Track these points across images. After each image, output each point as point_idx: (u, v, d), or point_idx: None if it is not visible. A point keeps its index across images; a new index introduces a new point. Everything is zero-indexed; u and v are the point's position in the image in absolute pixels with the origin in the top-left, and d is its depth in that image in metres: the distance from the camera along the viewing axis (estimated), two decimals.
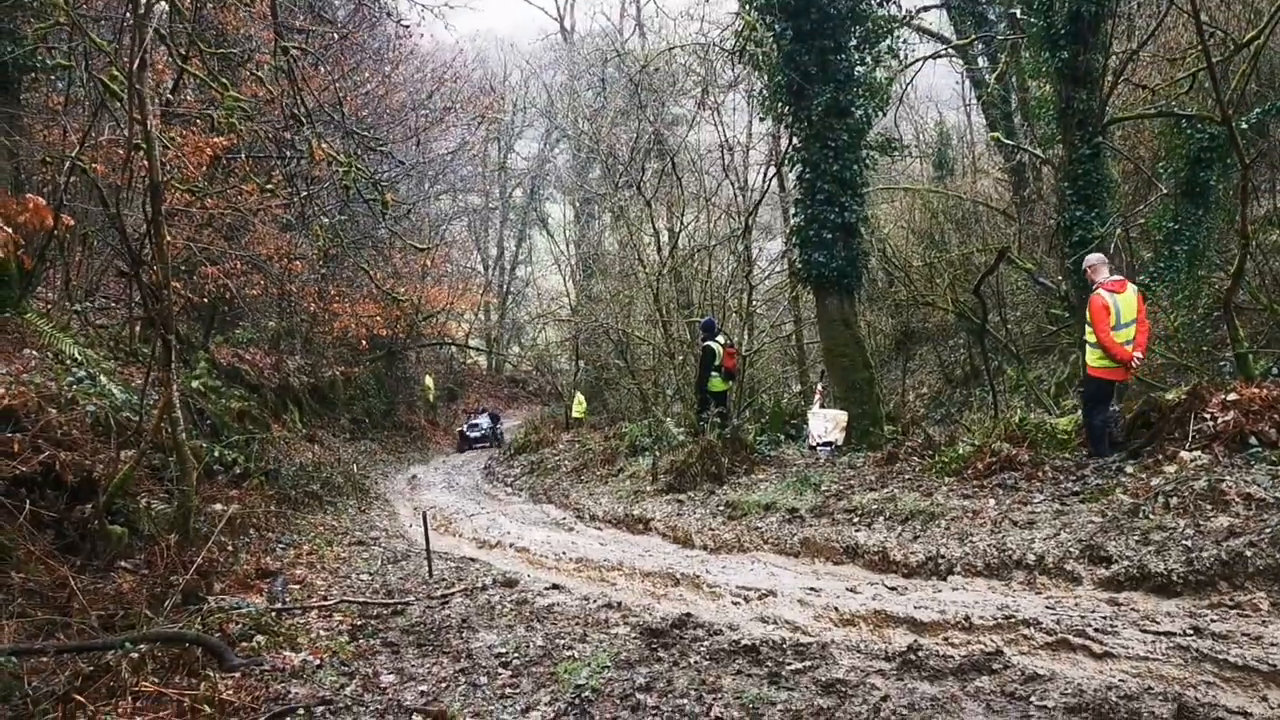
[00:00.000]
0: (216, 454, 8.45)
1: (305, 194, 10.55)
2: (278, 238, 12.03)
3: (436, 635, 4.65)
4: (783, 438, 9.95)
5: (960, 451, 7.08)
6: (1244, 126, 9.82)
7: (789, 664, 3.76)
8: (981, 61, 16.10)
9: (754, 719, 3.20)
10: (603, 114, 17.60)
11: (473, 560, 7.44)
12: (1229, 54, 9.12)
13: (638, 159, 14.81)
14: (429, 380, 24.10)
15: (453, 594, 5.65)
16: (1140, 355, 6.13)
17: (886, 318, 15.32)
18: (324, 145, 8.78)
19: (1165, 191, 11.06)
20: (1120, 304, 6.08)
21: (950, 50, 15.42)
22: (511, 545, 8.15)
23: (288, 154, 9.89)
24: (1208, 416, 5.75)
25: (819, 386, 9.99)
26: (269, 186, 10.35)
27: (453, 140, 19.91)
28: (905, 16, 12.00)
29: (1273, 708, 3.07)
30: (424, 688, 3.82)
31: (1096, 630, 3.80)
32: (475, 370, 32.27)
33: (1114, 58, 9.75)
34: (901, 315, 14.69)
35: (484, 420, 20.53)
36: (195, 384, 9.85)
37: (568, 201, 27.04)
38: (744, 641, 4.10)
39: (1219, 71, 8.17)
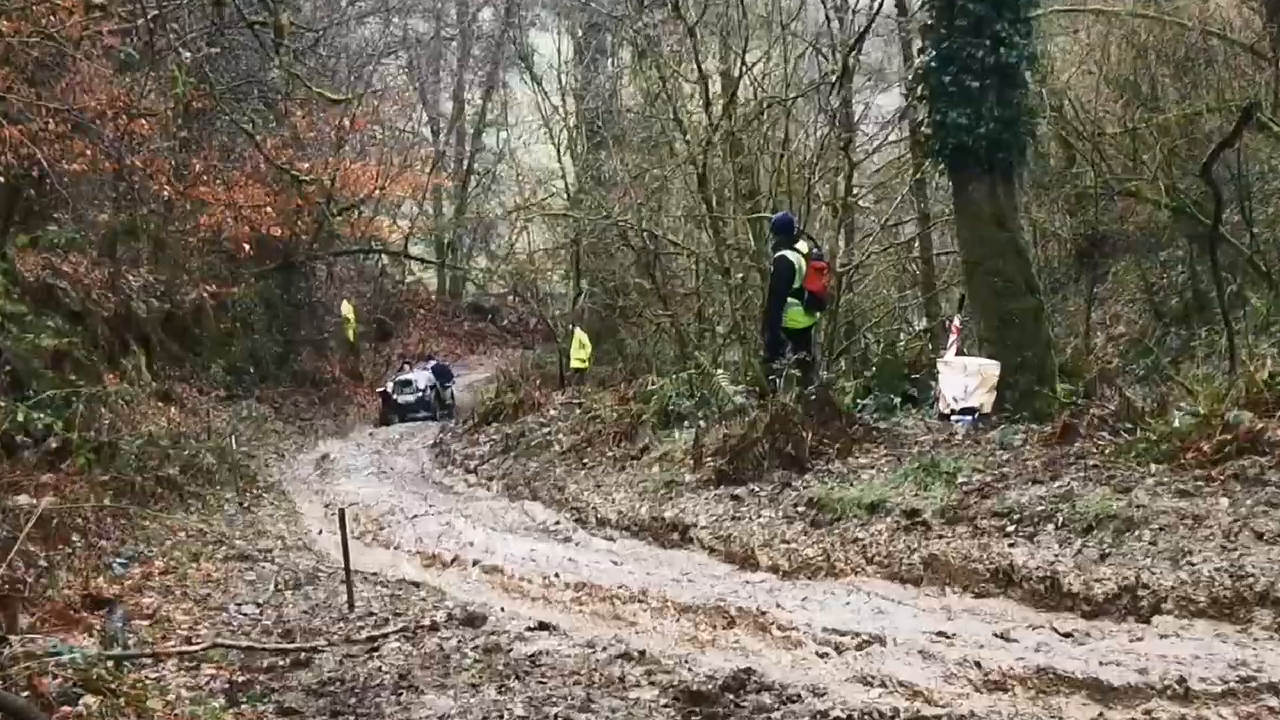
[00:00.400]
0: (20, 418, 8.67)
1: (155, 13, 10.44)
2: (112, 82, 12.24)
3: (360, 700, 4.77)
4: (898, 401, 10.15)
5: (1176, 425, 7.13)
6: None
7: None
8: None
9: None
10: None
11: (416, 585, 7.60)
12: None
13: None
14: (348, 309, 24.50)
15: (385, 636, 5.79)
16: None
17: (1064, 215, 15.63)
18: None
19: None
20: None
21: None
22: (476, 563, 8.35)
23: None
24: None
25: (955, 322, 10.32)
26: (98, 1, 10.42)
27: None
28: None
29: None
30: None
31: None
32: (420, 294, 32.93)
33: None
34: (1087, 211, 14.95)
35: (421, 375, 20.61)
36: None
37: (563, 28, 26.65)
38: (835, 714, 4.19)
39: None
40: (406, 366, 22.24)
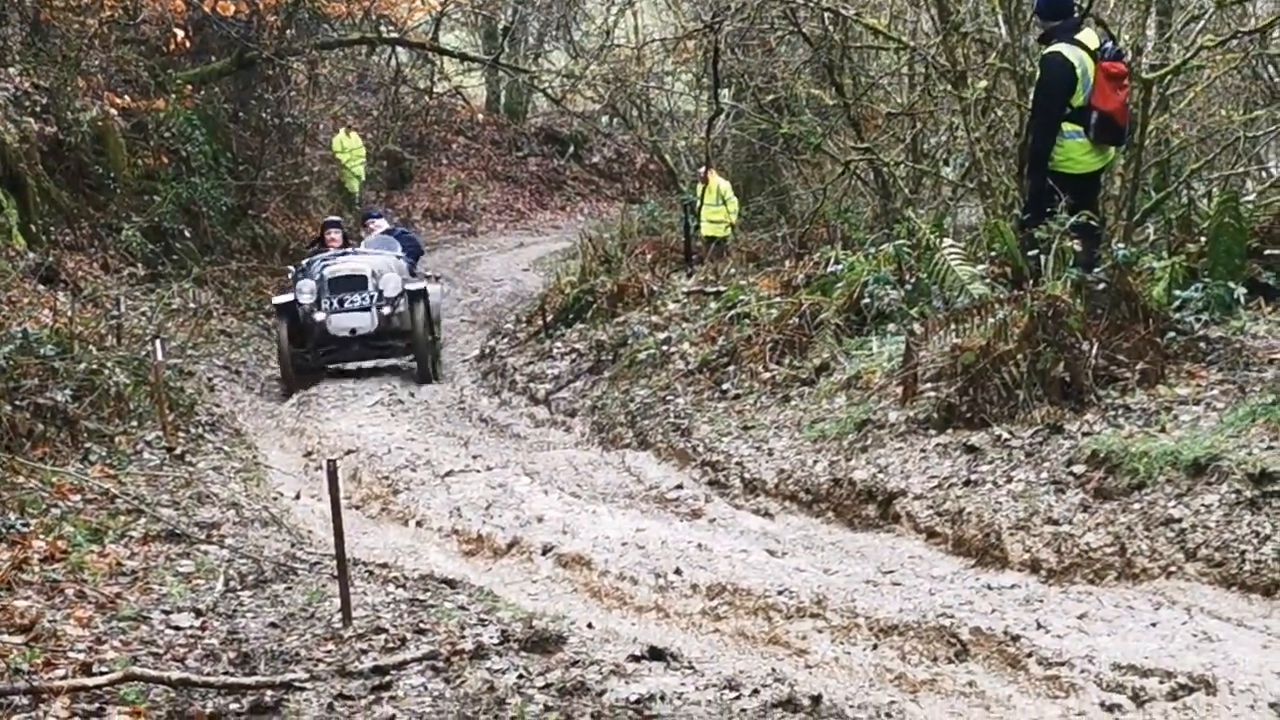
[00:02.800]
0: None
1: None
2: None
3: None
4: (1241, 293, 10.09)
5: None
6: None
7: None
8: None
9: None
10: None
11: (451, 585, 7.93)
12: None
13: None
14: (347, 141, 25.58)
15: (403, 665, 6.02)
16: None
17: None
18: None
19: None
20: None
21: None
22: (548, 550, 8.81)
23: None
24: None
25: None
26: None
27: None
28: None
29: None
30: None
31: None
32: (459, 112, 33.92)
33: None
34: None
35: (373, 261, 17.36)
36: None
37: None
38: None
39: None
40: (333, 240, 18.56)
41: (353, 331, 16.50)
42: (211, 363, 16.93)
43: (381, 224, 19.39)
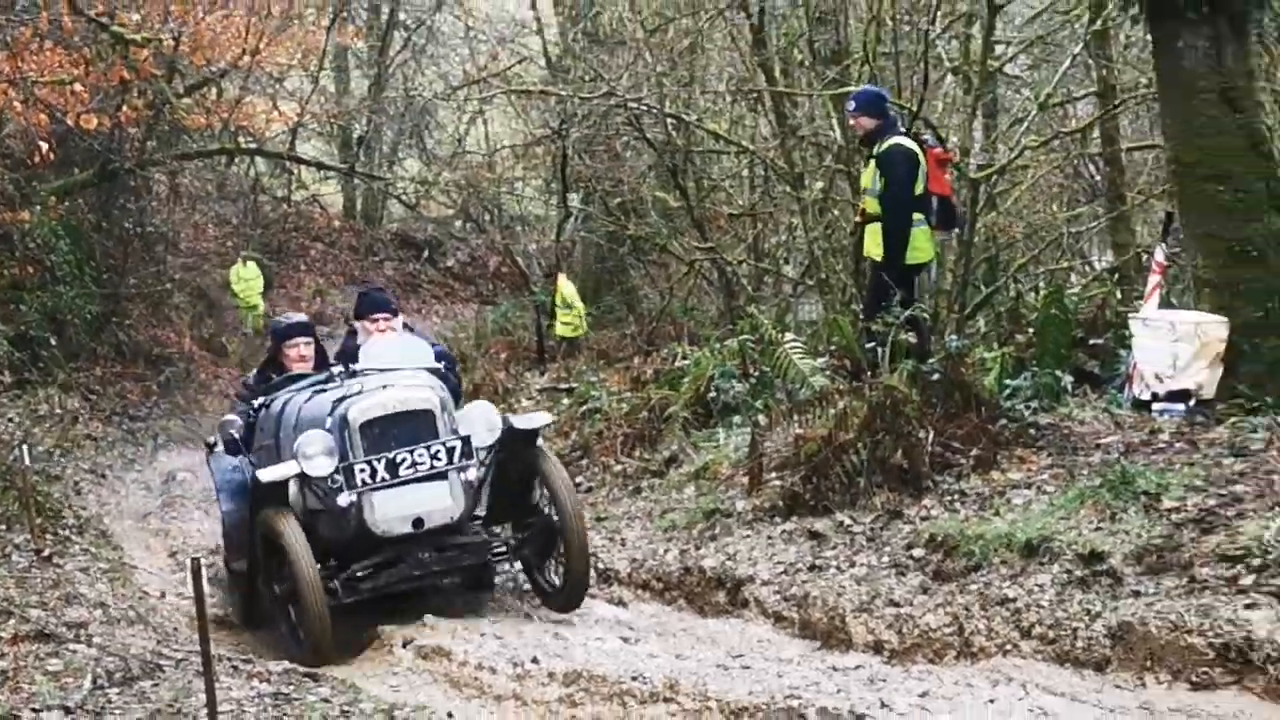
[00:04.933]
0: None
1: None
2: None
3: None
4: (1068, 381, 10.36)
5: None
6: None
7: None
8: None
9: None
10: None
11: (314, 679, 7.78)
12: None
13: None
14: (239, 270, 25.56)
15: None
16: None
17: None
18: None
19: None
20: None
21: None
22: (409, 642, 8.67)
23: None
24: None
25: (1159, 257, 10.63)
26: None
27: None
28: None
29: None
30: None
31: None
32: (316, 219, 33.90)
33: None
34: None
35: (415, 382, 9.76)
36: None
37: None
38: None
39: None
40: (300, 356, 10.59)
41: (418, 525, 8.78)
42: (78, 466, 16.41)
43: (397, 322, 10.65)
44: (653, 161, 18.08)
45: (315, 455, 8.72)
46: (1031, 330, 11.31)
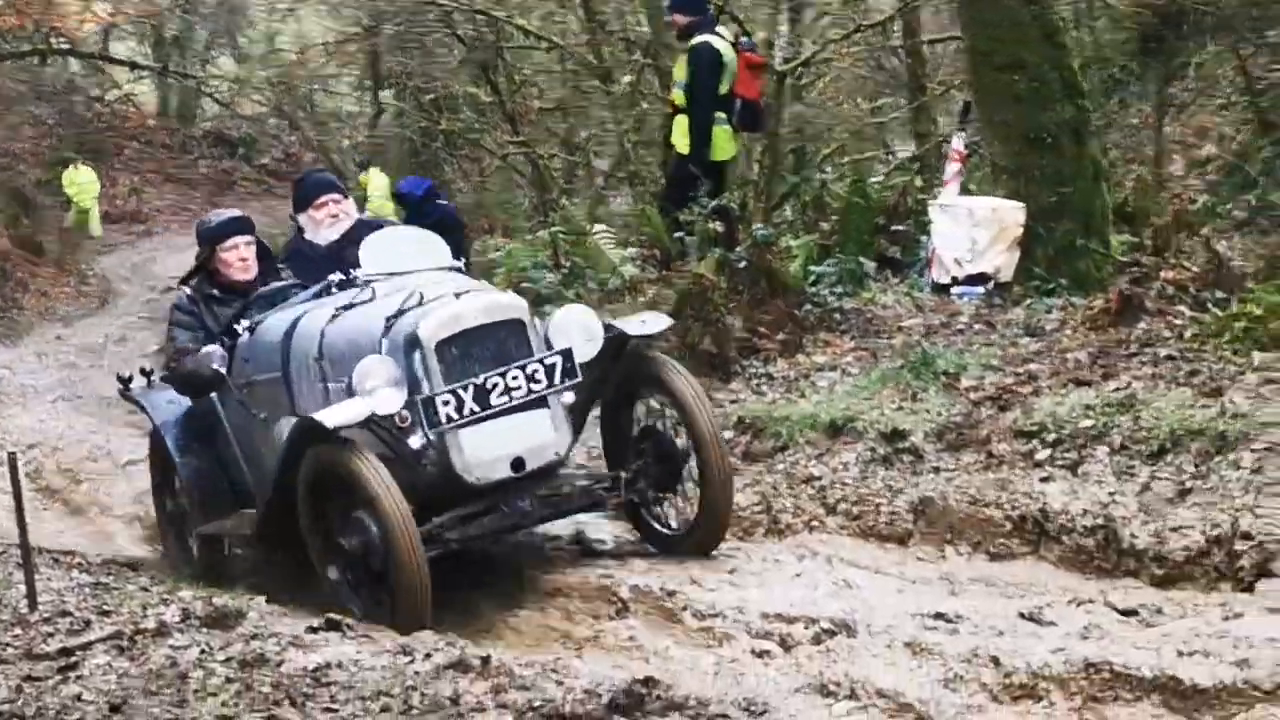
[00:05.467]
0: None
1: None
2: None
3: None
4: (870, 267, 10.79)
5: None
6: None
7: None
8: None
9: None
10: None
11: (134, 568, 8.27)
12: None
13: None
14: (72, 175, 26.39)
15: (88, 646, 6.02)
16: None
17: None
18: None
19: None
20: None
21: None
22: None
23: None
24: None
25: (957, 145, 11.14)
26: None
27: None
28: None
29: None
30: None
31: None
32: (131, 118, 34.24)
33: None
34: None
35: (473, 285, 8.43)
36: None
37: None
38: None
39: None
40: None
41: (518, 467, 7.06)
42: None
43: (349, 204, 9.30)
44: (464, 55, 18.47)
45: (378, 388, 6.73)
46: (836, 219, 11.68)
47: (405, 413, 6.58)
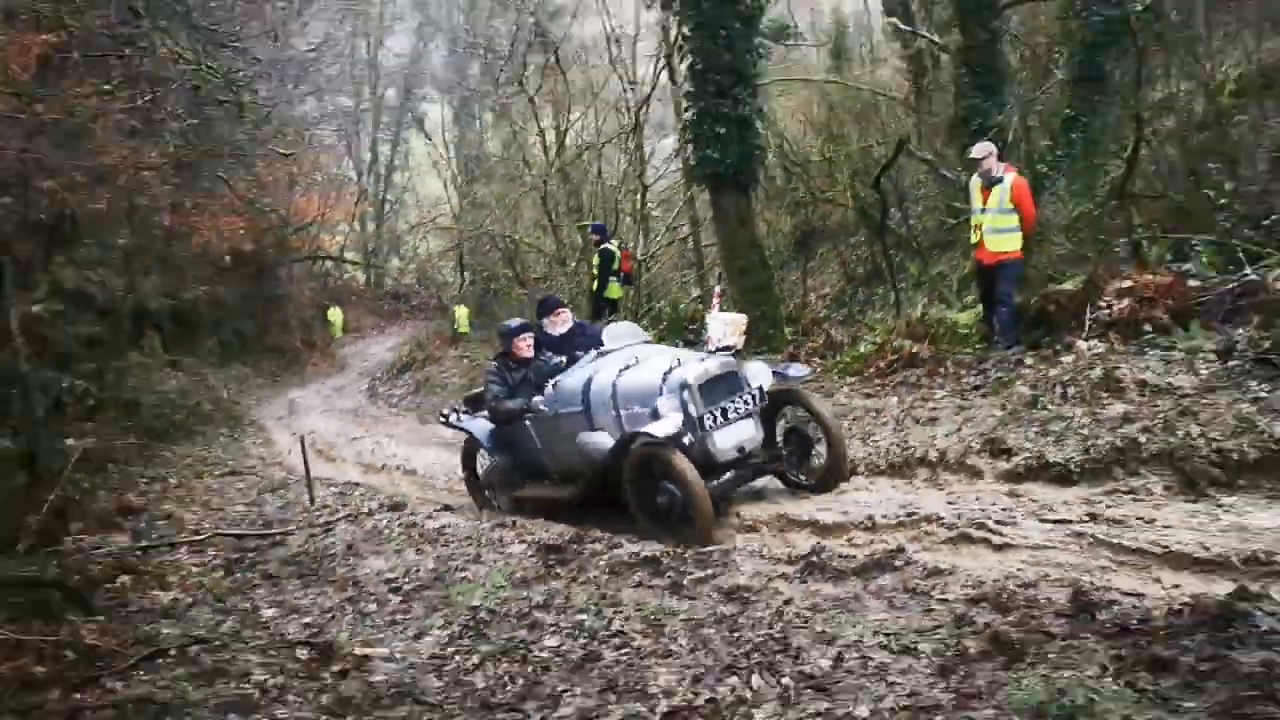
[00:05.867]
0: (65, 385, 12.62)
1: (150, 96, 16.74)
2: (122, 145, 16.93)
3: (320, 565, 7.59)
4: (680, 343, 13.68)
5: (861, 350, 11.44)
6: (1137, 8, 17.39)
7: (690, 573, 6.87)
8: None
9: (655, 630, 5.84)
10: (478, 4, 30.33)
11: (357, 485, 11.57)
12: None
13: (519, 53, 26.94)
14: (334, 314, 40.81)
15: (336, 521, 8.99)
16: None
17: (785, 216, 26.73)
18: (168, 41, 15.62)
19: (1062, 78, 20.27)
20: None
21: None
22: (399, 468, 13.01)
23: (126, 51, 16.67)
24: (1103, 305, 11.04)
25: (717, 289, 12.88)
26: (107, 87, 15.64)
27: (316, 35, 32.34)
28: None
29: (1165, 589, 5.98)
30: (308, 619, 6.67)
31: (996, 522, 7.28)
32: (354, 285, 52.96)
33: None
34: (801, 213, 25.80)
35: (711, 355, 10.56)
36: (36, 309, 14.75)
37: (445, 101, 44.43)
38: (644, 553, 7.20)
39: None
40: (524, 344, 11.54)
41: (741, 451, 10.13)
42: (249, 399, 24.74)
43: (567, 313, 12.17)
44: (500, 256, 30.09)
45: (669, 412, 9.55)
46: (665, 322, 18.36)
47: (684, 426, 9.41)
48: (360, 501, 10.57)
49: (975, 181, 12.79)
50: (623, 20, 27.35)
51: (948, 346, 12.35)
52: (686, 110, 19.01)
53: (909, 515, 8.12)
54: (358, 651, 6.21)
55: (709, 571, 7.00)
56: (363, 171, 54.19)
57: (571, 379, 10.76)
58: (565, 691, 5.49)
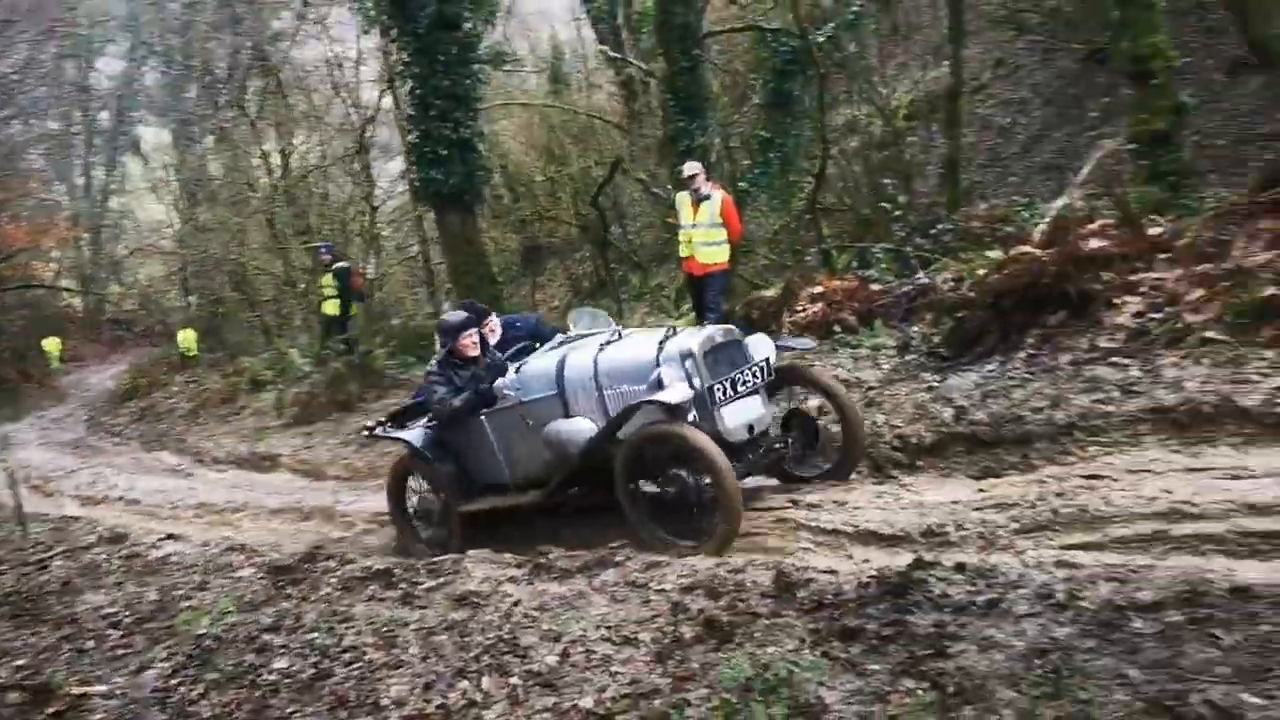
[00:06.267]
0: None
1: None
2: None
3: (33, 603, 7.23)
4: (415, 360, 15.52)
5: None
6: (819, 40, 19.39)
7: (422, 582, 6.84)
8: None
9: (387, 642, 5.86)
10: (193, 27, 30.47)
11: (75, 519, 11.02)
12: None
13: (238, 76, 27.41)
14: (50, 344, 39.18)
15: (51, 557, 8.56)
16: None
17: (512, 234, 27.70)
18: None
19: (758, 102, 23.01)
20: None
21: None
22: (120, 499, 12.68)
23: None
24: (799, 309, 11.95)
25: (447, 306, 15.26)
26: None
27: (18, 56, 31.70)
28: None
29: (857, 564, 6.86)
30: (21, 661, 6.37)
31: None
32: (71, 313, 50.81)
33: None
34: (527, 230, 27.04)
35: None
36: None
37: (163, 124, 44.22)
38: (375, 567, 7.18)
39: None
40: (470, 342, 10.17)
41: (751, 431, 9.00)
42: None
43: (493, 320, 10.89)
44: (229, 279, 30.76)
45: (673, 383, 8.32)
46: (398, 339, 19.97)
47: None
48: (78, 535, 10.37)
49: (684, 197, 13.48)
50: (345, 45, 27.76)
51: None
52: (410, 133, 19.88)
53: None
54: (75, 691, 6.18)
55: (440, 580, 7.06)
56: (75, 196, 53.64)
57: (540, 361, 9.49)
58: (295, 713, 5.56)
